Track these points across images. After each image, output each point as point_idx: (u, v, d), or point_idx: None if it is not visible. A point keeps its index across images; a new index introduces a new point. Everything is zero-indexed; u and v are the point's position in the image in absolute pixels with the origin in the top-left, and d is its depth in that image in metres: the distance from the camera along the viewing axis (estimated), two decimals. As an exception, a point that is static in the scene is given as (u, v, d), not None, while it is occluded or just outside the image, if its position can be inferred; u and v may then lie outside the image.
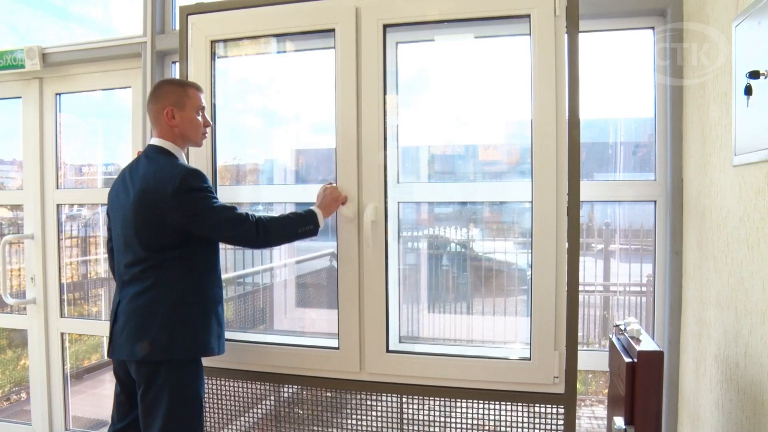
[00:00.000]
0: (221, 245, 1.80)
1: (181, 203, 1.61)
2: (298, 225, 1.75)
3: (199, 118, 1.76)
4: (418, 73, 2.29)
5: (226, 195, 2.14)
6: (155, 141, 1.74)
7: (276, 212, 3.06)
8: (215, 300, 1.74)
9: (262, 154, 2.86)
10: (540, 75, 1.63)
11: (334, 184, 1.84)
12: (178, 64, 2.05)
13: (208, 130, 1.83)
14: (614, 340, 1.53)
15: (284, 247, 2.97)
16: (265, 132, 2.78)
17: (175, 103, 1.72)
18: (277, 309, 3.00)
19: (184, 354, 1.66)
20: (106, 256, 1.91)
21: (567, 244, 1.64)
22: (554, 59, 1.62)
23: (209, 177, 1.98)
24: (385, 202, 1.82)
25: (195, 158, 1.99)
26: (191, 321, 1.66)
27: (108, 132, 3.12)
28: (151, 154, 1.73)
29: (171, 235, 1.64)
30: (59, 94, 2.84)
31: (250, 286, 2.90)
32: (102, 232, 3.23)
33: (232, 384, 2.03)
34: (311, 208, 1.79)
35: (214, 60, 1.99)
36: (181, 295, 1.66)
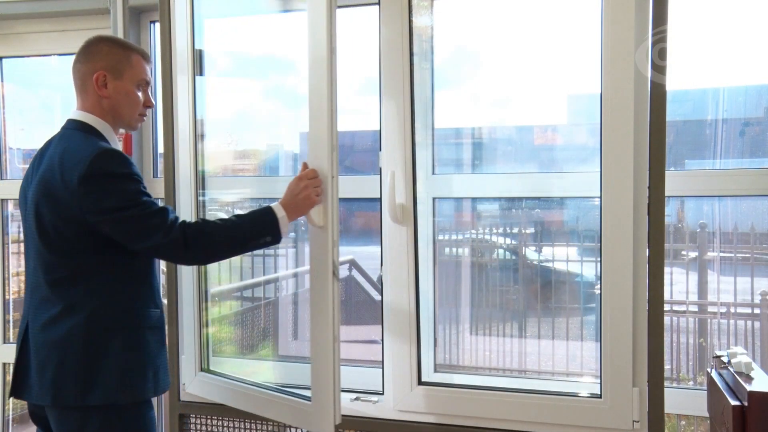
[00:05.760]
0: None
1: (89, 194, 1.49)
2: (249, 236, 1.58)
3: (139, 94, 1.66)
4: (457, 36, 2.26)
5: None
6: (76, 114, 1.64)
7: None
8: (152, 324, 1.62)
9: (265, 138, 2.86)
10: (614, 32, 1.61)
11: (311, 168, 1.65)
12: (158, 24, 2.05)
13: (149, 111, 1.74)
14: (715, 376, 1.52)
15: (289, 254, 2.95)
16: (269, 110, 2.78)
17: (110, 67, 1.61)
18: (282, 331, 3.01)
19: (107, 399, 1.53)
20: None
21: (647, 250, 1.62)
22: (633, 12, 1.59)
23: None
24: (414, 199, 1.82)
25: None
26: (119, 355, 1.55)
27: (67, 107, 3.05)
28: (68, 130, 1.61)
29: (82, 236, 1.52)
30: (1, 58, 2.79)
31: (249, 301, 2.91)
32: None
33: (225, 425, 2.03)
34: (272, 206, 1.61)
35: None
36: (107, 320, 1.55)
